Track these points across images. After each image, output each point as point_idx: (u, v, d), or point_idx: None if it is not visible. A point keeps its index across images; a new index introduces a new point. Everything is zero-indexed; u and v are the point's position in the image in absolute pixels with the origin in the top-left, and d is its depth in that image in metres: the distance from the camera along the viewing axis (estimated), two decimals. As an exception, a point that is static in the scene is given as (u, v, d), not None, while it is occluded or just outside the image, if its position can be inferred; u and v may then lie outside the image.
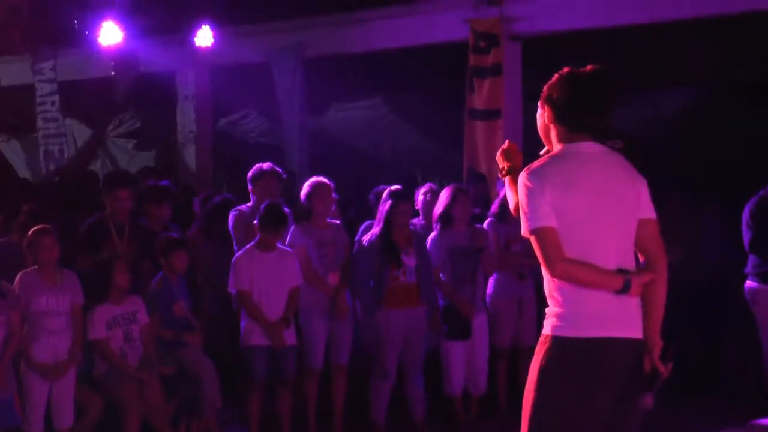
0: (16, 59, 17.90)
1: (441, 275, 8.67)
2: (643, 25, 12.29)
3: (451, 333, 8.68)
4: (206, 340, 8.33)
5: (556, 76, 4.46)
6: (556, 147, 4.46)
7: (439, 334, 8.68)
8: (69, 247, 7.89)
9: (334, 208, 8.85)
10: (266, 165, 9.01)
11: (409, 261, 8.36)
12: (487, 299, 9.13)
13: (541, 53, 12.86)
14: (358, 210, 10.59)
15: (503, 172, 4.89)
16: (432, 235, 8.77)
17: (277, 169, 9.10)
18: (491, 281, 9.13)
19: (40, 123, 17.63)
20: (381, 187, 9.18)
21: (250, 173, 8.97)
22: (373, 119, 16.92)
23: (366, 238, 8.45)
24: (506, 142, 4.92)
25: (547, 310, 4.40)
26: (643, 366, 4.37)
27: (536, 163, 4.40)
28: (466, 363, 8.82)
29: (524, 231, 4.35)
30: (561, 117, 4.43)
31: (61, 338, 7.22)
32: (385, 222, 8.34)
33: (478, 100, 12.53)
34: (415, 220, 9.11)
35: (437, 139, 16.39)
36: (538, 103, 4.52)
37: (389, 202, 8.35)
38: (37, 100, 17.56)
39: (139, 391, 7.48)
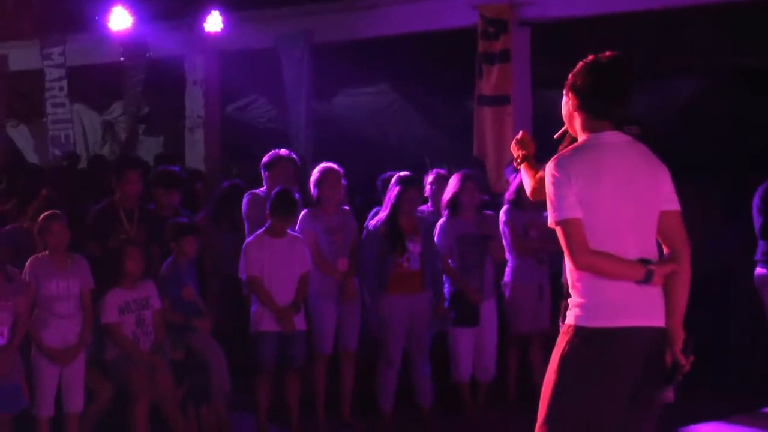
0: (26, 44, 17.98)
1: (449, 262, 8.68)
2: (652, 12, 12.29)
3: (459, 320, 8.70)
4: (215, 326, 8.35)
5: (580, 63, 4.48)
6: (581, 136, 4.49)
7: (444, 320, 8.70)
8: (78, 233, 7.90)
9: (343, 194, 8.84)
10: (283, 151, 9.00)
11: (414, 248, 8.37)
12: (506, 286, 9.11)
13: (550, 39, 12.87)
14: (365, 197, 10.60)
15: (518, 161, 4.94)
16: (440, 222, 8.78)
17: (293, 155, 9.10)
18: (509, 267, 9.10)
19: (48, 108, 17.68)
20: (388, 173, 9.19)
21: (265, 159, 8.92)
22: (381, 105, 16.94)
23: (372, 224, 8.47)
24: (520, 132, 4.95)
25: (569, 300, 4.43)
26: (665, 357, 4.39)
27: (562, 154, 4.44)
28: (474, 350, 8.83)
29: (550, 221, 4.38)
30: (585, 104, 4.46)
31: (71, 323, 7.23)
32: (392, 208, 8.36)
33: (487, 86, 12.53)
34: (423, 207, 9.11)
35: (445, 125, 16.40)
36: (564, 91, 4.55)
37: (397, 188, 8.36)
38: (46, 85, 17.61)
39: (149, 377, 7.50)
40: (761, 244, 8.77)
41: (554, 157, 4.43)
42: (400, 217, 8.36)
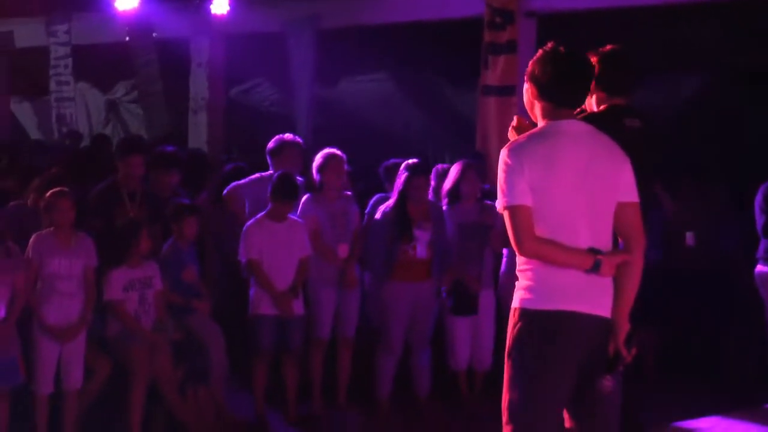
0: (31, 21, 17.94)
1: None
2: (657, 7, 12.28)
3: (458, 308, 8.72)
4: (214, 308, 8.37)
5: (540, 51, 4.52)
6: (541, 123, 4.52)
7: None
8: (79, 211, 7.90)
9: (345, 179, 8.84)
10: (288, 136, 8.97)
11: (423, 235, 8.37)
12: (502, 275, 9.14)
13: (557, 31, 12.83)
14: (366, 183, 10.61)
15: None
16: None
17: (299, 140, 9.09)
18: (504, 258, 9.13)
19: (53, 86, 17.67)
20: (391, 161, 9.20)
21: (270, 145, 8.87)
22: (386, 93, 16.91)
23: (381, 209, 8.48)
24: (515, 118, 4.95)
25: (516, 283, 4.47)
26: (608, 347, 4.42)
27: (517, 141, 4.47)
28: (471, 339, 8.86)
29: (499, 207, 4.42)
30: (544, 93, 4.49)
31: (74, 301, 7.25)
32: (400, 195, 8.36)
33: (492, 76, 12.52)
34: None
35: (450, 114, 16.39)
36: (524, 79, 4.58)
37: (405, 174, 8.37)
38: (51, 62, 17.57)
39: (149, 355, 7.53)
40: (763, 242, 8.80)
41: (508, 144, 4.46)
42: (408, 204, 8.37)
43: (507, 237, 8.73)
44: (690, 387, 8.89)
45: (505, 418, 4.45)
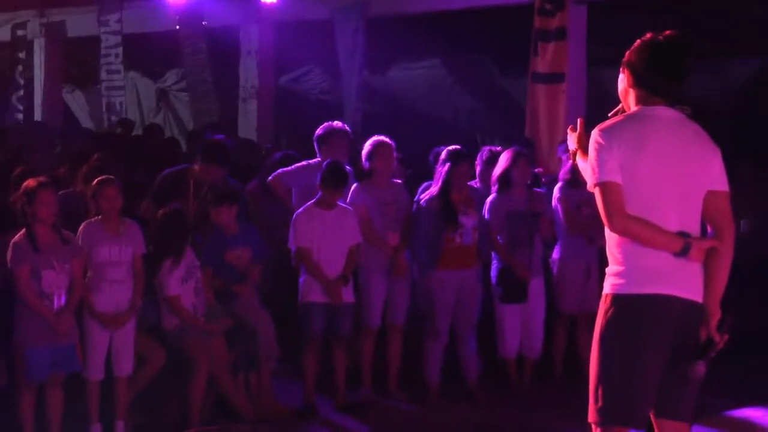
0: (83, 11, 18.08)
1: (498, 238, 8.66)
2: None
3: (507, 296, 8.69)
4: (265, 295, 8.40)
5: (638, 41, 4.52)
6: (633, 109, 4.53)
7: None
8: (130, 198, 7.92)
9: (395, 167, 8.82)
10: (337, 124, 8.97)
11: (468, 221, 8.36)
12: (554, 263, 9.11)
13: (607, 18, 12.76)
14: (416, 170, 10.60)
15: (573, 156, 4.98)
16: (490, 198, 8.75)
17: (347, 128, 9.09)
18: (558, 245, 9.09)
19: (103, 75, 17.78)
20: (440, 147, 9.16)
21: (319, 131, 8.86)
22: (435, 80, 16.89)
23: (424, 198, 8.46)
24: (579, 122, 4.96)
25: (607, 269, 4.46)
26: (699, 332, 4.40)
27: (609, 122, 4.50)
28: (521, 327, 8.83)
29: (589, 185, 4.45)
30: (640, 81, 4.51)
31: (122, 288, 7.28)
32: (443, 182, 8.34)
33: (542, 63, 12.45)
34: (472, 183, 9.05)
35: (499, 102, 16.34)
36: (620, 68, 4.59)
37: (448, 162, 8.35)
38: (102, 51, 17.69)
39: (206, 344, 7.58)
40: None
41: (600, 124, 4.49)
42: (452, 191, 8.35)
43: (570, 223, 8.84)
44: (743, 375, 8.80)
45: (599, 405, 4.43)
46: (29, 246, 6.88)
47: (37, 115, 18.60)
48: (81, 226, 7.28)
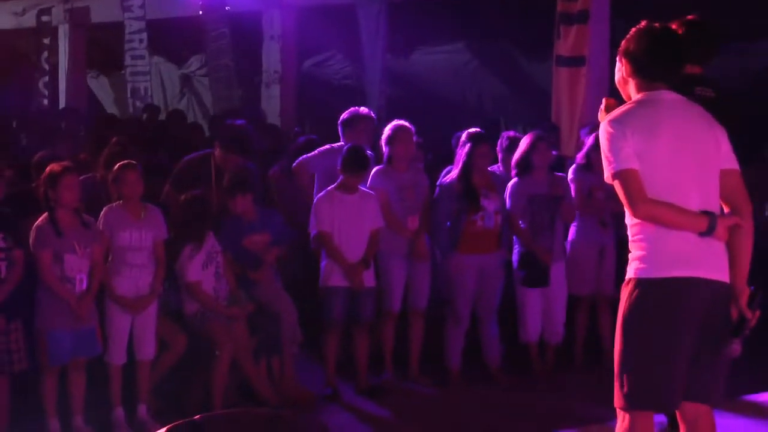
0: (107, -5, 18.12)
1: (520, 223, 8.63)
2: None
3: (529, 280, 8.67)
4: (287, 280, 8.41)
5: (633, 29, 4.54)
6: (636, 97, 4.52)
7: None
8: (153, 183, 7.93)
9: (415, 151, 8.80)
10: (362, 109, 8.96)
11: (489, 205, 8.34)
12: (568, 246, 9.07)
13: (630, 1, 12.68)
14: (436, 155, 10.57)
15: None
16: (511, 182, 8.72)
17: (372, 114, 9.08)
18: (572, 228, 9.06)
19: (127, 60, 17.82)
20: (461, 132, 9.15)
21: (344, 116, 8.86)
22: (458, 64, 16.84)
23: (445, 181, 8.45)
24: (603, 100, 4.96)
25: (630, 254, 4.44)
26: (730, 312, 4.39)
27: (617, 111, 4.49)
28: (543, 311, 8.81)
29: (607, 176, 4.43)
30: (639, 70, 4.52)
31: (144, 273, 7.32)
32: (464, 165, 8.32)
33: (564, 46, 12.37)
34: (493, 168, 9.03)
35: (523, 85, 16.28)
36: (617, 57, 4.60)
37: (468, 144, 8.33)
38: (126, 37, 17.73)
39: (229, 328, 7.60)
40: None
41: (608, 115, 4.48)
42: (473, 173, 8.33)
43: (582, 206, 8.80)
44: (765, 357, 8.75)
45: (625, 390, 4.42)
46: (52, 230, 6.92)
47: (62, 101, 18.66)
48: (102, 211, 7.31)
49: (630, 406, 4.46)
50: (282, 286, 8.27)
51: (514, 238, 8.72)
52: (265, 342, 7.96)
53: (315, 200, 8.18)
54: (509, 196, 8.61)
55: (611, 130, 4.38)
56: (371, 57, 15.23)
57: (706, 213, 4.34)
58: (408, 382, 8.55)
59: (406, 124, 8.49)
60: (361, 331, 8.25)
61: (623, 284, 4.50)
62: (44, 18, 19.29)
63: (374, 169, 8.45)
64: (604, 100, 4.97)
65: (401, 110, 10.90)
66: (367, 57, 15.33)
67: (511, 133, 9.65)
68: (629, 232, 4.47)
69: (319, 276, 8.19)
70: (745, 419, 7.42)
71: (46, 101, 18.93)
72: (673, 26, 5.52)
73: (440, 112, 15.12)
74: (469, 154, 8.32)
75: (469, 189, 8.31)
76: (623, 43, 4.56)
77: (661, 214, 4.33)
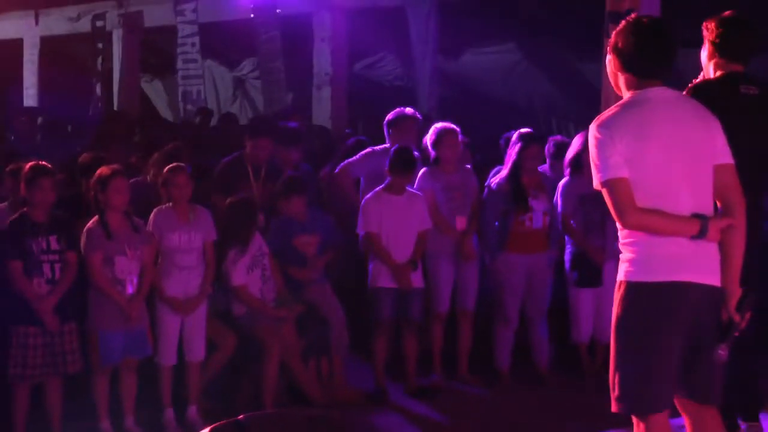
0: (161, 1, 18.29)
1: (571, 222, 8.60)
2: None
3: (582, 280, 8.62)
4: (336, 280, 8.44)
5: (622, 23, 4.45)
6: (626, 94, 4.44)
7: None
8: (204, 185, 8.03)
9: (462, 151, 8.79)
10: (408, 110, 8.99)
11: (538, 205, 8.32)
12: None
13: (681, -1, 12.58)
14: (485, 155, 10.55)
15: None
16: (563, 181, 8.67)
17: (418, 115, 9.11)
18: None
19: (180, 64, 17.97)
20: (510, 132, 9.12)
21: (390, 116, 8.91)
22: (508, 64, 16.82)
23: (494, 181, 8.43)
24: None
25: (621, 256, 4.40)
26: (721, 315, 4.36)
27: (605, 114, 4.38)
28: (594, 311, 8.76)
29: (595, 183, 4.36)
30: (628, 65, 4.42)
31: (193, 274, 7.39)
32: (514, 165, 8.31)
33: (614, 45, 12.32)
34: (542, 168, 8.99)
35: (573, 84, 16.21)
36: (608, 51, 4.53)
37: (518, 144, 8.31)
38: (178, 41, 17.88)
39: (277, 329, 7.64)
40: None
41: (597, 118, 4.39)
42: (523, 174, 8.32)
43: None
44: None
45: (616, 393, 4.41)
46: (102, 233, 7.01)
47: (116, 105, 18.85)
48: (152, 213, 7.38)
49: (621, 409, 4.44)
50: (331, 287, 8.30)
51: (566, 237, 8.68)
52: (313, 343, 8.00)
53: (363, 201, 8.20)
54: (561, 196, 8.57)
55: (599, 135, 4.30)
56: (421, 58, 15.25)
57: (697, 216, 4.26)
58: (457, 383, 8.54)
59: (452, 126, 8.47)
60: (410, 332, 8.25)
61: (616, 287, 4.45)
62: (98, 23, 19.52)
63: (421, 170, 8.46)
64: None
65: (452, 111, 10.90)
66: (418, 58, 15.36)
67: (558, 138, 9.61)
68: (619, 235, 4.41)
69: (368, 277, 8.21)
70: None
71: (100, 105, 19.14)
72: (711, 23, 5.49)
73: (490, 113, 15.10)
74: (519, 154, 8.31)
75: (518, 189, 8.29)
76: (613, 36, 4.46)
77: (650, 223, 4.27)
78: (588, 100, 14.27)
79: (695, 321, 4.32)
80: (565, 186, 8.61)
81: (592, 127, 4.34)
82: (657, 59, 4.38)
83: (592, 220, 8.60)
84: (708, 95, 5.17)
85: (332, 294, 8.25)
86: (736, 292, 4.38)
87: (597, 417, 7.72)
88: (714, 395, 4.47)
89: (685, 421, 4.57)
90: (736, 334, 4.36)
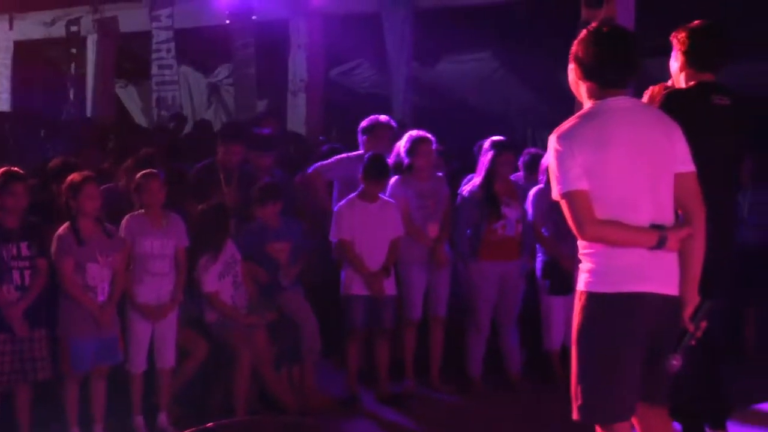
0: (135, 6, 18.27)
1: (543, 230, 8.62)
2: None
3: (553, 288, 8.65)
4: (308, 287, 8.43)
5: (583, 32, 4.40)
6: (586, 103, 4.42)
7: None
8: (178, 192, 8.00)
9: (435, 159, 8.80)
10: (383, 117, 9.01)
11: (511, 213, 8.33)
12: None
13: (655, 7, 12.64)
14: (461, 163, 10.56)
15: None
16: (536, 188, 8.70)
17: (393, 123, 9.12)
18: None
19: (154, 70, 17.92)
20: (484, 140, 9.14)
21: (364, 123, 8.91)
22: (484, 72, 16.82)
23: (467, 189, 8.45)
24: (650, 88, 4.88)
25: (580, 265, 4.40)
26: (679, 326, 4.38)
27: (565, 125, 4.36)
28: (566, 319, 8.78)
29: (554, 195, 4.35)
30: (590, 75, 4.39)
31: (165, 281, 7.36)
32: (487, 172, 8.32)
33: (588, 54, 12.35)
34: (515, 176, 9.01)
35: (549, 93, 16.23)
36: (569, 59, 4.47)
37: (491, 152, 8.33)
38: (153, 47, 17.83)
39: (249, 336, 7.62)
40: None
41: (557, 129, 4.36)
42: (496, 181, 8.33)
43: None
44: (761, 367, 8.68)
45: (579, 402, 4.40)
46: (74, 239, 6.97)
47: (89, 111, 18.78)
48: (124, 219, 7.35)
49: (583, 418, 4.42)
50: (303, 294, 8.28)
51: (537, 245, 8.70)
52: (285, 350, 7.98)
53: (336, 208, 8.21)
54: (532, 204, 8.59)
55: (559, 147, 4.27)
56: (397, 65, 15.25)
57: (656, 226, 4.26)
58: (429, 390, 8.54)
59: (426, 134, 8.47)
60: (382, 339, 8.25)
61: (576, 296, 4.43)
62: (73, 28, 19.45)
63: (394, 178, 8.46)
64: (650, 89, 4.88)
65: (427, 119, 10.89)
66: (393, 65, 15.35)
67: (533, 150, 9.64)
68: (579, 245, 4.39)
69: (341, 284, 8.20)
70: (759, 428, 7.35)
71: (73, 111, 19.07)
72: (681, 33, 5.50)
73: (466, 121, 15.11)
74: (492, 162, 8.32)
75: (490, 197, 8.31)
76: (574, 45, 4.42)
77: (609, 235, 4.25)
78: (564, 108, 14.27)
79: (655, 330, 4.32)
80: (536, 194, 8.63)
81: (552, 138, 4.32)
82: (617, 69, 4.36)
83: (563, 228, 8.59)
84: (680, 105, 5.18)
85: (305, 300, 8.24)
86: (693, 301, 4.39)
87: (568, 424, 7.72)
88: (661, 396, 4.48)
89: (633, 421, 4.57)
90: (692, 343, 4.37)
